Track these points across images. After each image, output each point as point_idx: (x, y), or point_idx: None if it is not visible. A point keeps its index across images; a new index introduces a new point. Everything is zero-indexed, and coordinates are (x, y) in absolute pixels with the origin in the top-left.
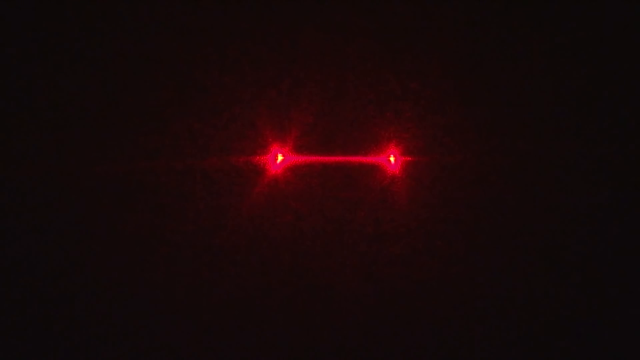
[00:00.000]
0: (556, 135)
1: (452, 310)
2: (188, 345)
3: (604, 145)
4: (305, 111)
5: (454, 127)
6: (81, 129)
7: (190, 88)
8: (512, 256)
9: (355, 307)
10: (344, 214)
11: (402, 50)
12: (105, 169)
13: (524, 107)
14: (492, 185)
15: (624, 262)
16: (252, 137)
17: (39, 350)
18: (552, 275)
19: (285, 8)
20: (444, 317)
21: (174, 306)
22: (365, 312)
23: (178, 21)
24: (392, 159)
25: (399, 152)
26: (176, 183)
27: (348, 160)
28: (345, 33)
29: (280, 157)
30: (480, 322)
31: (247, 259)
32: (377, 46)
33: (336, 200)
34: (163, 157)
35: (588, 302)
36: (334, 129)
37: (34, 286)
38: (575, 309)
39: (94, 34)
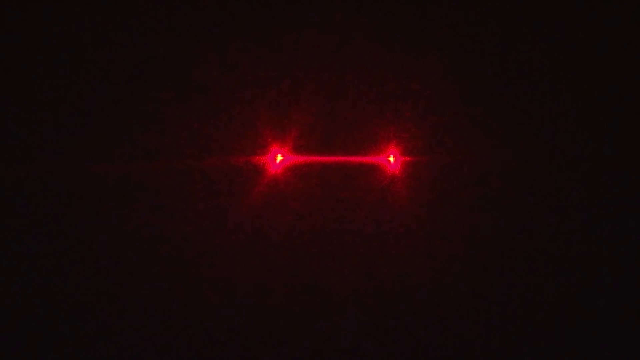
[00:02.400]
0: (556, 135)
1: (452, 310)
2: (188, 345)
3: (604, 145)
4: (305, 111)
5: (454, 127)
6: (81, 129)
7: (190, 88)
8: (512, 256)
9: (355, 307)
10: (344, 214)
11: (402, 50)
12: (105, 169)
13: (524, 107)
14: (492, 185)
15: (624, 262)
16: (252, 137)
17: (39, 350)
18: (552, 275)
19: (285, 8)
20: (444, 317)
21: (174, 306)
22: (365, 312)
23: (178, 21)
24: (392, 159)
25: (399, 152)
26: (176, 183)
27: (348, 160)
28: (345, 33)
29: (280, 157)
30: (480, 322)
31: (247, 259)
32: (377, 46)
33: (336, 200)
34: (163, 157)
35: (588, 302)
36: (334, 129)
37: (34, 286)
38: (575, 309)
39: (94, 33)
